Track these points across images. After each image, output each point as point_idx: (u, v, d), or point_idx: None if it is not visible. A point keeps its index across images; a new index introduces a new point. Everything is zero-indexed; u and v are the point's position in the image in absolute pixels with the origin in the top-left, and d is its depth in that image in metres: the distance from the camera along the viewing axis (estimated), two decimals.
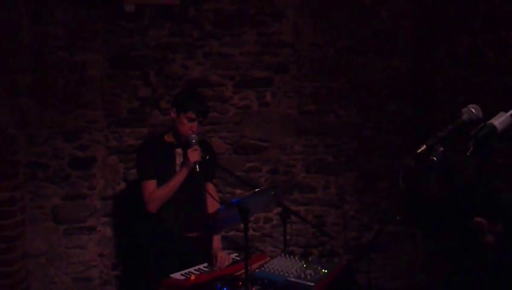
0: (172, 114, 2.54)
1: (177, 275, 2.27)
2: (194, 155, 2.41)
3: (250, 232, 3.40)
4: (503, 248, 1.39)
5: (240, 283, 2.11)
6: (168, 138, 2.59)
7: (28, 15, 3.10)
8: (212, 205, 2.56)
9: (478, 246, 1.42)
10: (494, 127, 1.25)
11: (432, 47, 3.33)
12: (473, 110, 1.39)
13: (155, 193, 2.49)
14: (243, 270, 2.04)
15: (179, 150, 2.55)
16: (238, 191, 3.34)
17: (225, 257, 2.46)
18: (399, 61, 3.54)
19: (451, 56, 3.11)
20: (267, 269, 2.21)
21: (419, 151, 1.32)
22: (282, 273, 2.16)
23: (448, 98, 3.15)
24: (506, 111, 1.29)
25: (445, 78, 3.19)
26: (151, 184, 2.51)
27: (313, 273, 2.14)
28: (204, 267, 2.42)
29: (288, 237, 2.42)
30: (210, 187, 2.67)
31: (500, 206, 1.39)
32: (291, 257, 2.35)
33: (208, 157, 2.48)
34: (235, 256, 2.53)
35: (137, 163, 2.61)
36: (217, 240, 2.58)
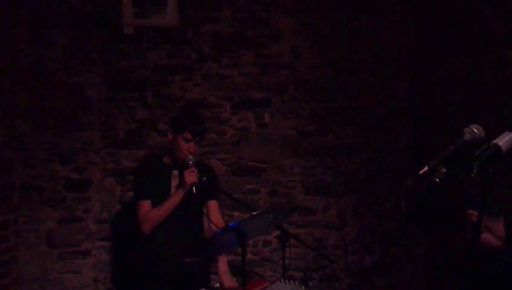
0: (169, 135, 2.52)
1: None
2: (190, 177, 2.37)
3: (249, 256, 3.32)
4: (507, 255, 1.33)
5: None
6: (166, 160, 2.56)
7: (27, 37, 3.11)
8: (217, 222, 2.51)
9: (481, 253, 1.36)
10: (498, 148, 1.22)
11: (430, 67, 3.33)
12: (476, 130, 1.36)
13: (149, 213, 2.45)
14: None
15: (175, 172, 2.52)
16: (236, 214, 3.28)
17: (230, 281, 2.40)
18: (398, 82, 3.54)
19: (450, 76, 3.11)
20: None
21: (421, 172, 1.28)
22: None
23: (448, 118, 3.13)
24: (509, 130, 1.26)
25: (444, 98, 3.17)
26: (146, 204, 2.47)
27: None
28: None
29: (287, 261, 2.36)
30: (213, 205, 2.62)
31: (498, 205, 1.34)
32: (291, 282, 2.29)
33: (204, 179, 2.44)
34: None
35: (133, 183, 2.60)
36: (222, 263, 2.50)
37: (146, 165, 2.61)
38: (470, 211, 1.32)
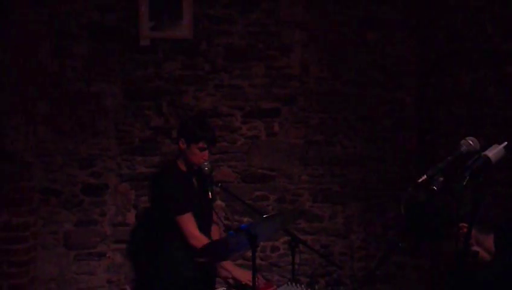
0: (181, 144, 2.63)
1: None
2: (246, 276, 2.48)
3: (257, 261, 3.40)
4: (495, 266, 1.42)
5: None
6: (182, 166, 2.67)
7: (49, 48, 3.26)
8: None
9: (471, 264, 1.45)
10: (488, 159, 1.34)
11: (435, 81, 3.43)
12: (471, 142, 1.47)
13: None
14: None
15: (194, 181, 2.64)
16: (245, 219, 3.39)
17: (245, 273, 2.52)
18: (404, 94, 3.64)
19: (454, 90, 3.21)
20: None
21: (420, 180, 1.40)
22: None
23: (451, 130, 3.23)
24: (500, 143, 1.38)
25: (448, 111, 3.28)
26: (190, 217, 2.51)
27: None
28: None
29: (296, 266, 2.46)
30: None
31: (489, 219, 1.43)
32: (298, 285, 2.39)
33: (220, 184, 2.56)
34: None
35: (166, 198, 2.58)
36: (226, 262, 2.60)
37: (172, 178, 2.61)
38: (462, 224, 1.42)
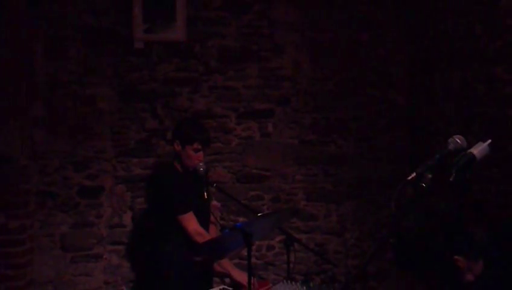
0: (176, 146, 2.66)
1: None
2: (243, 278, 2.49)
3: (253, 260, 3.42)
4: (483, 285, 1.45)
5: None
6: (178, 167, 2.71)
7: (43, 51, 3.28)
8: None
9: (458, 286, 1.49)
10: (473, 156, 1.39)
11: (426, 81, 3.49)
12: (458, 141, 1.53)
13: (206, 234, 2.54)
14: None
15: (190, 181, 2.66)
16: (241, 219, 3.43)
17: (242, 274, 2.55)
18: (396, 94, 3.70)
19: (444, 89, 3.27)
20: None
21: (409, 178, 1.44)
22: None
23: (442, 128, 3.29)
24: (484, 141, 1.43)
25: (439, 110, 3.33)
26: (192, 216, 2.56)
27: None
28: None
29: (291, 264, 2.49)
30: None
31: (479, 245, 1.45)
32: (293, 283, 2.43)
33: (215, 185, 2.59)
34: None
35: (167, 198, 2.61)
36: (225, 261, 2.63)
37: (171, 178, 2.65)
38: (456, 257, 1.46)
